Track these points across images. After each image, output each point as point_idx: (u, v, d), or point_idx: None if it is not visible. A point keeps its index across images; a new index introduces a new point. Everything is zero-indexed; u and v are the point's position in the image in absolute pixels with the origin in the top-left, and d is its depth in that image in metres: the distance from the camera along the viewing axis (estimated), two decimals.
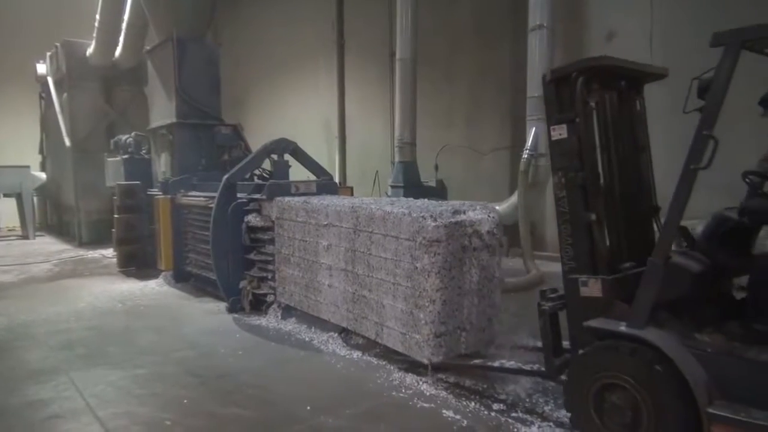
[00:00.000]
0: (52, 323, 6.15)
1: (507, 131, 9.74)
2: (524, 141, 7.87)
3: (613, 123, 3.54)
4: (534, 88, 7.75)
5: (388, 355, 4.77)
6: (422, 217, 4.07)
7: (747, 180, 3.19)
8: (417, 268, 4.08)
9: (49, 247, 12.46)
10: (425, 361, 4.09)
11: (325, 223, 5.15)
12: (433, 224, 3.99)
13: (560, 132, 3.35)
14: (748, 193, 3.21)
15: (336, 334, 5.26)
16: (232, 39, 16.10)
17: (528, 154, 7.70)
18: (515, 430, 3.44)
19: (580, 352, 3.24)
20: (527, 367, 3.88)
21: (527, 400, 3.83)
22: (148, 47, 9.93)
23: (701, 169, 2.79)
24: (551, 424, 3.49)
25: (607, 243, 3.38)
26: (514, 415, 3.63)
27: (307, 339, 5.37)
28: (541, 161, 7.63)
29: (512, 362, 4.07)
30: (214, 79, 9.05)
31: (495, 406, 3.75)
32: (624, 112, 3.60)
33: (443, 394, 4.00)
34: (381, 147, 12.26)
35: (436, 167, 9.82)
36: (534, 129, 7.73)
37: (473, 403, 3.81)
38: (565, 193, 3.36)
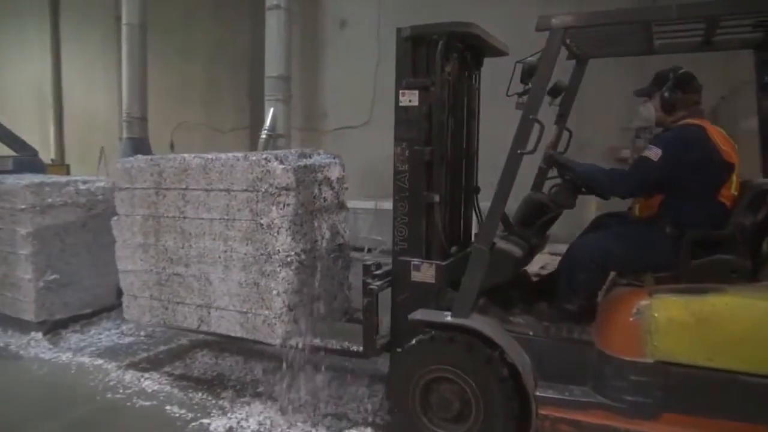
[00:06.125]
0: None
1: (246, 111, 9.57)
2: (263, 121, 7.78)
3: (455, 95, 3.21)
4: (272, 68, 7.70)
5: (107, 353, 4.30)
6: (266, 159, 3.24)
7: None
8: (262, 225, 3.26)
9: None
10: (277, 343, 3.30)
11: (23, 207, 4.37)
12: (281, 167, 3.18)
13: (410, 98, 2.98)
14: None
15: (41, 336, 4.52)
16: None
17: (266, 134, 7.63)
18: (243, 412, 3.37)
19: (399, 350, 2.99)
20: (353, 348, 3.60)
21: (259, 383, 3.79)
22: None
23: (528, 154, 2.65)
24: (270, 401, 3.50)
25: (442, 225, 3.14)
26: (242, 399, 3.56)
27: (1, 345, 4.53)
28: (279, 142, 7.66)
29: (331, 341, 3.67)
30: None
31: (223, 394, 3.63)
32: (464, 84, 3.32)
33: (167, 388, 3.71)
34: (107, 121, 10.99)
35: (172, 145, 9.18)
36: (272, 110, 7.69)
37: (200, 394, 3.63)
38: (407, 167, 3.03)
